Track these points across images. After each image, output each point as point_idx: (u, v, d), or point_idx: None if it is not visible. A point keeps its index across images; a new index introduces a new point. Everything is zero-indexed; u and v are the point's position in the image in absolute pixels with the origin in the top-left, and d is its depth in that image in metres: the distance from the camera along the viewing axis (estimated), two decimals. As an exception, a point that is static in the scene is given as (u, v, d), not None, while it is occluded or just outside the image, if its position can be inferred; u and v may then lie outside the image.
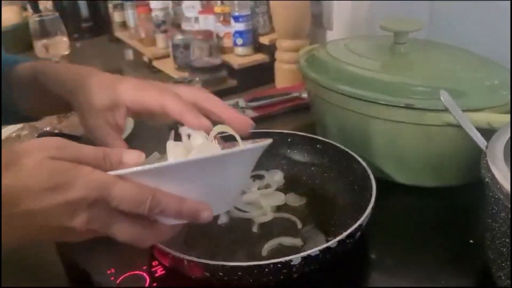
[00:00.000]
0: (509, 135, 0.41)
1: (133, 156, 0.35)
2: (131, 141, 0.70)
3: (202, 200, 0.34)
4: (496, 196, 0.36)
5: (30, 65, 0.50)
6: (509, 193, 0.34)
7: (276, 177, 0.59)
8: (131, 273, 0.45)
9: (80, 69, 0.47)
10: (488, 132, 0.45)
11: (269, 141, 0.37)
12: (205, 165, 0.34)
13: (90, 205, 0.31)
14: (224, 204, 0.38)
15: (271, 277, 0.39)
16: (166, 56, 1.19)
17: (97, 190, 0.31)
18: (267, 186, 0.57)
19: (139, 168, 0.33)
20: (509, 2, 0.63)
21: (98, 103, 0.43)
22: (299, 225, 0.50)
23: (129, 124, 0.74)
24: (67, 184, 0.31)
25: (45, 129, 0.73)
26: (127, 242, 0.34)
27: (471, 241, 0.48)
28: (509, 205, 0.34)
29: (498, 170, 0.36)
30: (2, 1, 1.41)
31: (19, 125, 0.73)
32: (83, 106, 0.43)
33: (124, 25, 1.42)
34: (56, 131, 0.72)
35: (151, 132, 0.74)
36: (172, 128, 0.42)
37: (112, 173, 0.32)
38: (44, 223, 0.31)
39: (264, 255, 0.46)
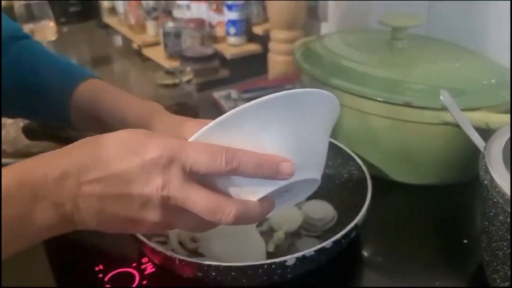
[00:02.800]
0: (508, 136, 0.41)
1: None
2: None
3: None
4: (494, 200, 0.36)
5: (89, 89, 0.50)
6: (509, 197, 0.34)
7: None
8: (120, 270, 0.44)
9: (142, 106, 0.48)
10: (485, 130, 0.45)
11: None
12: (283, 103, 0.31)
13: (165, 167, 0.30)
14: (309, 166, 0.33)
15: (265, 278, 0.39)
16: (157, 44, 1.17)
17: (171, 150, 0.30)
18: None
19: (211, 123, 0.31)
20: (509, 1, 0.62)
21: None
22: (293, 222, 0.50)
23: None
24: (143, 146, 0.31)
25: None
26: (207, 212, 0.31)
27: (465, 241, 0.47)
28: (509, 209, 0.34)
29: (497, 173, 0.36)
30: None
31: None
32: None
33: (113, 10, 1.39)
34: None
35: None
36: None
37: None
38: (119, 190, 0.30)
39: (271, 251, 0.46)
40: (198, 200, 0.31)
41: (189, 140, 0.31)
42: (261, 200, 0.32)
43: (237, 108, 0.30)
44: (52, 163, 0.31)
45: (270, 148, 0.31)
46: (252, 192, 0.32)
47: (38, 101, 0.51)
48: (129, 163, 0.30)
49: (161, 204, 0.31)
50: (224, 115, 0.30)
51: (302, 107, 0.32)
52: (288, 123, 0.31)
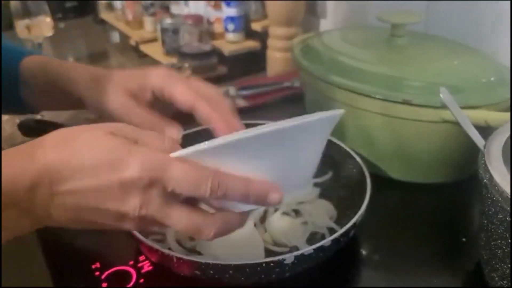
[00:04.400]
0: (507, 134, 0.40)
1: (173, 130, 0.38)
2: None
3: (270, 180, 0.31)
4: (494, 198, 0.35)
5: (38, 60, 0.49)
6: (509, 196, 0.34)
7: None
8: (117, 268, 0.43)
9: (92, 70, 0.47)
10: (484, 129, 0.44)
11: (341, 111, 0.34)
12: (277, 138, 0.30)
13: (145, 188, 0.29)
14: (296, 184, 0.33)
15: (263, 276, 0.38)
16: (154, 40, 1.16)
17: (153, 170, 0.29)
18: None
19: (202, 146, 0.29)
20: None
21: (125, 87, 0.43)
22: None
23: None
24: (123, 161, 0.29)
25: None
26: (187, 232, 0.31)
27: (464, 239, 0.47)
28: (508, 208, 0.34)
29: (497, 171, 0.36)
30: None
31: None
32: (102, 100, 0.44)
33: (110, 6, 1.38)
34: (38, 117, 0.69)
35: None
36: None
37: (173, 154, 0.30)
38: (95, 204, 0.29)
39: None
40: (178, 221, 0.30)
41: (181, 153, 0.30)
42: (240, 214, 0.32)
43: (231, 138, 0.30)
44: (24, 168, 0.29)
45: (260, 174, 0.31)
46: (237, 206, 0.32)
47: None
48: (106, 179, 0.29)
49: (139, 220, 0.30)
50: (216, 142, 0.30)
51: (300, 138, 0.31)
52: (284, 154, 0.31)
